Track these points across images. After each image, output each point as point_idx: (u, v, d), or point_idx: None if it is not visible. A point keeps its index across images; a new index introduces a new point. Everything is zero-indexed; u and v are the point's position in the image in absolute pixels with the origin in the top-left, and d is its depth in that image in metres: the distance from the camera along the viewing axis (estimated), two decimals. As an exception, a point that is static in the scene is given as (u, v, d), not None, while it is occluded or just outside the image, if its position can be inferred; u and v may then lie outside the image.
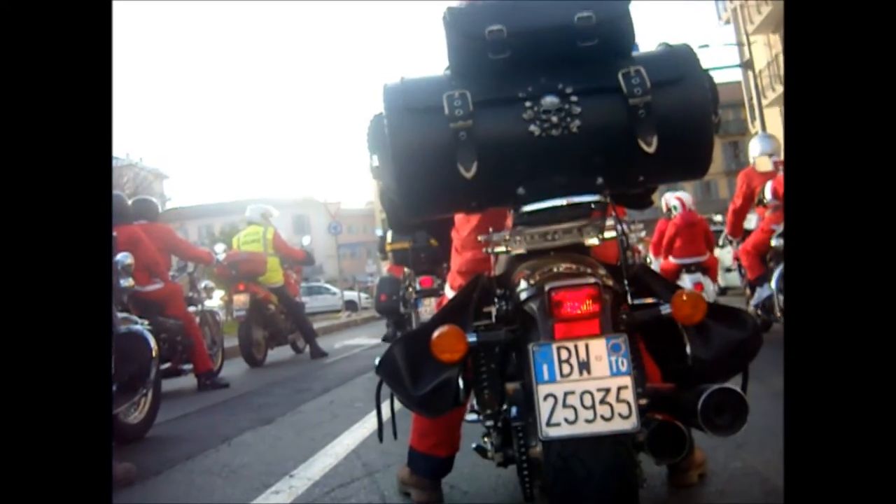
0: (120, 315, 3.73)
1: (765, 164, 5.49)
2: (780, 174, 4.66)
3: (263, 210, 7.87)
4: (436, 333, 1.41)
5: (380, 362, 1.58)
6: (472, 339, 1.43)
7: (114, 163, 23.32)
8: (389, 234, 5.68)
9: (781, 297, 4.61)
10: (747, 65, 22.46)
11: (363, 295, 23.52)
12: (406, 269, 5.78)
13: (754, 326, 1.52)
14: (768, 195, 5.05)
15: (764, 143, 5.65)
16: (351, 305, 21.90)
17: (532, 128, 1.30)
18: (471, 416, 2.04)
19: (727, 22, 27.61)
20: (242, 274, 7.05)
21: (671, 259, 6.94)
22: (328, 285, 29.11)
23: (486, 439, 1.86)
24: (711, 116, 1.35)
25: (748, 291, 5.57)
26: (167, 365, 5.29)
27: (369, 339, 9.31)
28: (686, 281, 6.52)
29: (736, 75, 28.36)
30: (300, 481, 2.53)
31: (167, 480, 2.83)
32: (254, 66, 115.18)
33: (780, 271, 4.64)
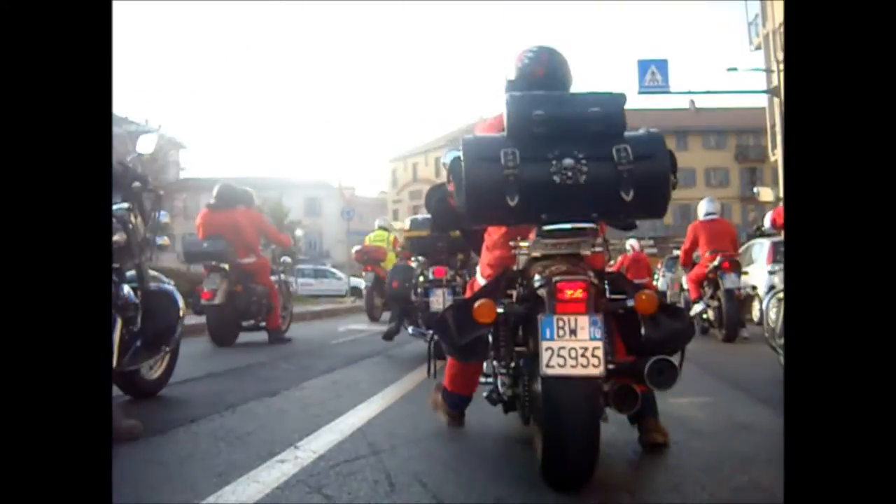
0: (151, 273, 3.86)
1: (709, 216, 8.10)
2: (779, 206, 5.67)
3: (387, 221, 11.69)
4: (476, 304, 2.23)
5: (434, 321, 2.43)
6: (500, 309, 2.25)
7: (133, 128, 23.67)
8: (408, 222, 6.12)
9: (708, 310, 7.88)
10: (774, 91, 23.16)
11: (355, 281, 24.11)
12: (420, 258, 6.09)
13: (690, 320, 2.34)
14: (767, 224, 5.85)
15: (708, 205, 8.22)
16: (356, 291, 22.58)
17: (555, 178, 2.11)
18: (482, 379, 2.89)
19: (758, 48, 28.29)
20: (371, 260, 10.34)
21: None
22: (334, 270, 29.89)
23: (493, 392, 2.68)
24: (670, 181, 2.15)
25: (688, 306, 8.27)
26: (250, 322, 7.16)
27: (372, 326, 9.71)
28: None
29: (761, 101, 29.03)
30: (305, 453, 2.60)
31: (171, 440, 2.89)
32: (280, 43, 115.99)
33: (710, 293, 7.81)
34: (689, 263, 8.31)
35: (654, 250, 32.59)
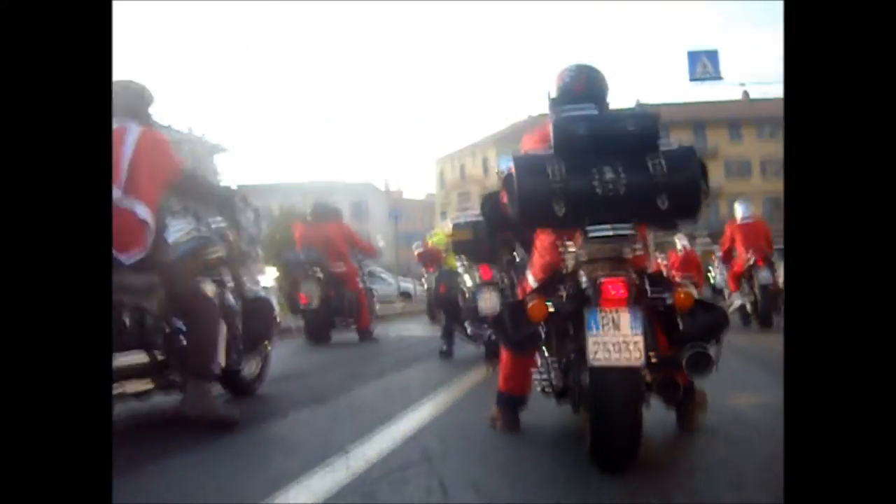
0: (249, 283, 4.26)
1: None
2: None
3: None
4: (530, 304, 2.53)
5: (493, 320, 2.75)
6: (551, 308, 2.54)
7: (176, 136, 24.31)
8: (450, 225, 6.03)
9: (746, 303, 8.73)
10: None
11: (419, 287, 24.22)
12: (464, 261, 6.01)
13: (723, 314, 2.60)
14: None
15: (744, 210, 9.11)
16: (405, 295, 22.77)
17: (597, 189, 2.40)
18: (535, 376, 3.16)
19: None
20: (433, 260, 10.37)
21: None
22: (383, 273, 30.19)
23: (547, 385, 2.96)
24: (701, 190, 2.42)
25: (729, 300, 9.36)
26: (342, 322, 8.28)
27: (423, 331, 9.84)
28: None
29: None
30: (357, 461, 2.60)
31: (223, 448, 2.91)
32: (321, 44, 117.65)
33: (747, 288, 8.69)
34: (729, 260, 9.25)
35: (712, 247, 32.36)
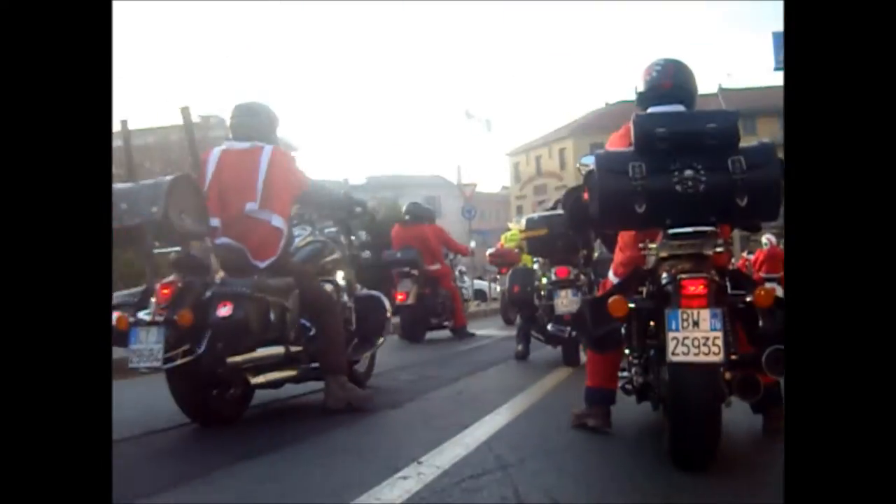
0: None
1: None
2: None
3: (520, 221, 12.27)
4: (610, 300, 2.59)
5: (573, 317, 2.83)
6: (631, 304, 2.60)
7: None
8: (523, 222, 5.86)
9: None
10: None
11: (494, 285, 23.65)
12: (540, 259, 5.90)
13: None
14: None
15: None
16: (480, 295, 22.29)
17: (678, 187, 2.44)
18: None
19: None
20: (505, 262, 10.60)
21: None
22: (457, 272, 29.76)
23: (628, 383, 3.01)
24: (781, 187, 2.43)
25: None
26: (437, 320, 8.79)
27: (499, 331, 9.69)
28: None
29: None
30: (429, 469, 2.57)
31: (288, 456, 2.90)
32: (390, 40, 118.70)
33: None
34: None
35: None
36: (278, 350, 3.55)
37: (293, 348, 3.64)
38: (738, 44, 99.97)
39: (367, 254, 4.88)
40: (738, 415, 3.02)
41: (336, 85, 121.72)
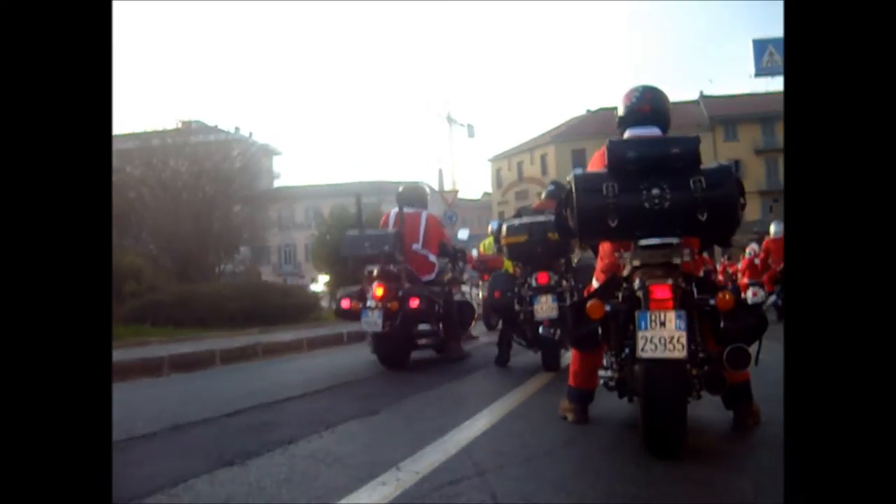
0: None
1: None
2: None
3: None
4: (589, 303, 2.99)
5: (557, 317, 3.24)
6: (608, 307, 3.00)
7: (223, 136, 24.76)
8: (505, 228, 5.94)
9: (779, 301, 11.14)
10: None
11: (475, 291, 23.28)
12: (519, 265, 6.04)
13: (762, 316, 3.00)
14: None
15: (778, 228, 12.01)
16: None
17: (646, 204, 2.84)
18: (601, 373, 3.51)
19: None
20: (488, 269, 11.16)
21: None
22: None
23: (608, 381, 3.38)
24: (739, 206, 2.84)
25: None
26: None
27: (480, 338, 9.65)
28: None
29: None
30: (407, 475, 2.59)
31: (268, 463, 2.89)
32: (372, 44, 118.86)
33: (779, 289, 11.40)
34: (766, 268, 12.54)
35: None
36: (427, 326, 6.56)
37: (433, 325, 6.62)
38: (719, 51, 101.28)
39: (465, 276, 7.96)
40: (710, 412, 3.40)
41: (319, 90, 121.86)
